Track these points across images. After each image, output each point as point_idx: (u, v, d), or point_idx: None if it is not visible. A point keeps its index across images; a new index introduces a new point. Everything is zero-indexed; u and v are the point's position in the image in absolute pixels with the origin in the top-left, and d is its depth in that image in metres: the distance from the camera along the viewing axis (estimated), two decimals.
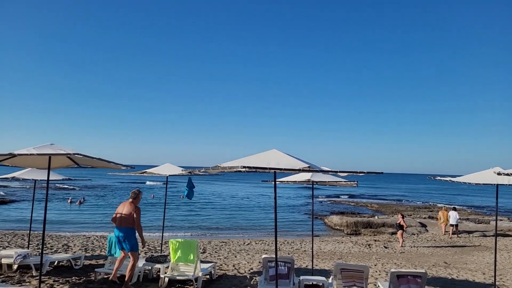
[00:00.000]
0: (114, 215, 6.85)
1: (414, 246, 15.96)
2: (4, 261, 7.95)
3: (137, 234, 6.82)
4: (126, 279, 6.75)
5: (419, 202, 47.35)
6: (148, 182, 65.64)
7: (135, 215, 6.70)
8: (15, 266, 7.95)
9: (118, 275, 7.47)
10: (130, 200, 6.89)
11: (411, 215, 28.75)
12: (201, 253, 12.20)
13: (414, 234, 19.70)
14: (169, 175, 9.40)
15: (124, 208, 6.79)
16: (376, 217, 26.16)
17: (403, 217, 16.62)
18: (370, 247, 15.60)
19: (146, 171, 9.69)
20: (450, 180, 8.62)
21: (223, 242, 15.81)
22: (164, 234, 11.19)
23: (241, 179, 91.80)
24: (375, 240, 17.68)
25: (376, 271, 9.93)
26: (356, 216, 27.24)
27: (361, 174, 5.12)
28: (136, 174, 9.51)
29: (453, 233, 19.05)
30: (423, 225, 22.86)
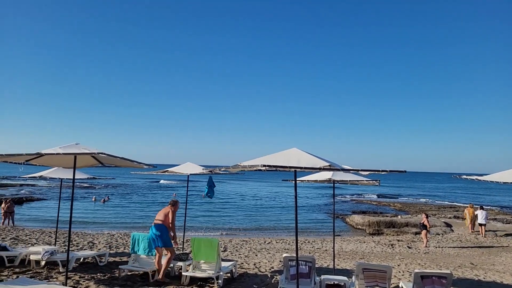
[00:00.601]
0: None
1: (439, 247, 15.58)
2: (32, 257, 8.22)
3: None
4: (161, 270, 7.14)
5: (444, 201, 46.19)
6: (162, 181, 66.67)
7: (170, 215, 7.37)
8: (42, 263, 8.21)
9: (141, 272, 7.63)
10: (169, 205, 7.54)
11: (435, 214, 28.07)
12: (222, 251, 12.28)
13: (439, 234, 19.22)
14: (190, 174, 9.50)
15: (162, 211, 7.47)
16: (399, 216, 25.67)
17: (427, 217, 16.23)
18: (393, 247, 15.33)
19: (167, 170, 9.82)
20: (476, 178, 8.37)
21: (244, 240, 15.87)
22: (185, 232, 11.32)
23: (261, 178, 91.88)
24: (398, 240, 17.36)
25: (399, 272, 9.75)
26: (378, 215, 26.81)
27: (383, 173, 5.02)
28: (158, 173, 9.66)
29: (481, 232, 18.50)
30: (448, 225, 22.28)
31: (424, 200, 47.86)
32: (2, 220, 19.09)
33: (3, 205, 19.43)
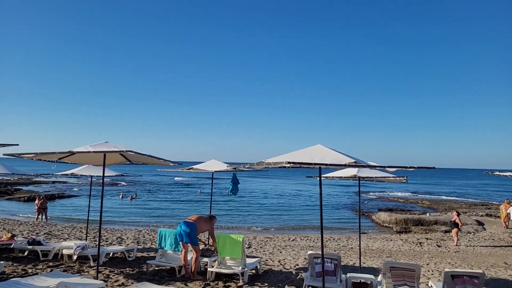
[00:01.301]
0: None
1: (470, 245, 15.10)
2: (65, 252, 8.53)
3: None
4: (193, 270, 7.31)
5: (476, 198, 44.69)
6: (176, 178, 67.62)
7: (209, 227, 7.80)
8: (74, 257, 8.51)
9: (168, 267, 7.79)
10: (208, 217, 7.90)
11: (466, 212, 27.21)
12: (246, 248, 12.36)
13: (470, 233, 18.63)
14: (215, 171, 9.59)
15: (197, 215, 7.74)
16: (427, 214, 25.05)
17: (458, 215, 15.75)
18: (421, 245, 14.98)
19: (192, 167, 9.95)
20: (510, 175, 8.07)
21: (268, 237, 15.90)
22: None
23: (285, 175, 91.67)
24: (427, 238, 16.94)
25: (429, 271, 9.53)
26: (405, 213, 26.24)
27: (411, 169, 4.91)
28: (183, 170, 9.80)
29: None
30: (480, 223, 21.56)
31: (454, 197, 46.48)
32: (36, 216, 19.89)
33: (36, 201, 20.25)
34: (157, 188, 48.91)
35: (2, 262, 7.00)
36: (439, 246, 14.78)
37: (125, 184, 52.34)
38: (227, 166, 9.34)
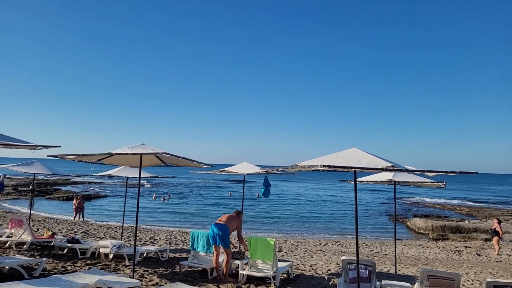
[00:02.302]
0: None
1: None
2: (102, 250, 8.80)
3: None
4: (224, 272, 7.35)
5: None
6: (207, 181, 68.30)
7: (237, 225, 7.73)
8: (110, 256, 8.76)
9: (200, 268, 7.87)
10: (235, 214, 7.85)
11: (508, 220, 25.86)
12: (277, 251, 12.30)
13: None
14: (247, 174, 9.61)
15: (227, 215, 7.74)
16: (466, 221, 24.02)
17: (499, 222, 15.01)
18: (460, 253, 14.37)
19: (224, 170, 10.02)
20: None
21: (299, 241, 15.76)
22: None
23: (317, 179, 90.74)
24: (466, 247, 16.24)
25: (468, 280, 9.12)
26: (442, 219, 25.30)
27: (451, 174, 4.71)
28: (215, 172, 9.89)
29: None
30: None
31: (496, 204, 44.29)
32: (74, 215, 20.71)
33: (74, 201, 21.09)
34: (189, 190, 49.70)
35: (44, 259, 7.32)
36: (479, 255, 14.12)
37: (158, 185, 53.53)
38: (260, 169, 9.34)
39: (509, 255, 14.23)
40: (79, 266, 7.93)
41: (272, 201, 36.12)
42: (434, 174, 5.31)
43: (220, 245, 7.33)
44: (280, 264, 7.81)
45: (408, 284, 6.71)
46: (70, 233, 13.58)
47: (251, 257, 7.52)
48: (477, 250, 15.24)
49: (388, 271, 9.78)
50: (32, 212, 17.05)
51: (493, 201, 47.73)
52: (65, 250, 9.38)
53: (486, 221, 24.88)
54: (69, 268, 7.74)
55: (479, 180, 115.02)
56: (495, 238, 14.68)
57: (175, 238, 14.41)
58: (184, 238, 14.32)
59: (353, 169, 4.50)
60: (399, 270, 9.81)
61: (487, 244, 16.86)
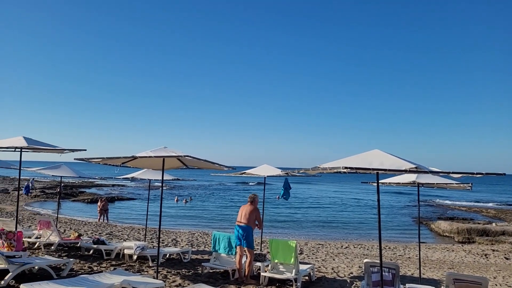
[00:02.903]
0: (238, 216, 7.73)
1: None
2: (126, 251, 8.99)
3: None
4: (246, 274, 7.39)
5: None
6: (228, 183, 68.53)
7: (255, 213, 7.54)
8: (134, 257, 8.94)
9: (222, 270, 7.93)
10: (249, 203, 7.62)
11: None
12: (298, 254, 12.25)
13: None
14: (267, 176, 9.64)
15: (244, 210, 7.58)
16: (493, 224, 23.29)
17: None
18: (487, 257, 13.96)
19: (245, 172, 10.08)
20: None
21: (320, 244, 15.65)
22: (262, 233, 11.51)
23: (338, 181, 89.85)
24: (493, 250, 15.75)
25: (496, 285, 8.86)
26: (468, 222, 24.62)
27: (478, 176, 4.61)
28: (236, 175, 9.96)
29: None
30: None
31: None
32: (98, 217, 21.20)
33: (99, 203, 21.59)
34: (210, 192, 50.10)
35: (71, 259, 7.54)
36: (507, 259, 13.68)
37: (178, 188, 54.16)
38: (280, 171, 9.35)
39: None
40: (104, 267, 8.13)
41: (293, 204, 35.97)
42: (459, 175, 5.20)
43: (244, 246, 7.38)
44: (302, 267, 7.79)
45: None
46: (95, 234, 13.92)
47: (272, 259, 7.54)
48: (505, 254, 14.76)
49: (412, 274, 9.61)
50: (59, 214, 17.57)
51: None
52: (91, 251, 9.65)
53: None
54: (95, 268, 7.95)
55: (507, 182, 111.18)
56: None
57: (197, 239, 14.56)
58: (206, 240, 14.45)
59: (375, 171, 4.46)
60: (424, 274, 9.60)
61: None
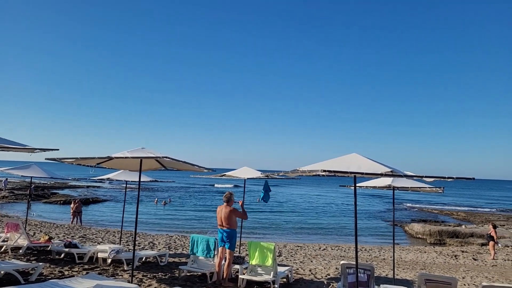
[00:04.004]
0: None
1: (509, 259, 14.37)
2: (100, 255, 8.76)
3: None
4: (225, 276, 7.32)
5: None
6: (209, 185, 68.15)
7: (235, 216, 7.40)
8: (109, 260, 8.72)
9: (199, 273, 7.85)
10: (225, 204, 7.45)
11: (504, 225, 25.97)
12: (277, 256, 12.29)
13: (508, 246, 17.76)
14: (247, 178, 9.62)
15: (222, 212, 7.44)
16: (463, 226, 24.10)
17: (494, 228, 15.10)
18: (456, 258, 14.41)
19: (225, 174, 10.03)
20: None
21: (298, 246, 15.75)
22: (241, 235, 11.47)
23: (317, 184, 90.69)
24: (463, 251, 16.28)
25: (465, 284, 9.15)
26: (440, 224, 25.42)
27: (449, 180, 4.75)
28: (216, 177, 9.90)
29: None
30: None
31: (492, 209, 44.44)
32: (71, 219, 20.61)
33: (72, 205, 20.98)
34: (189, 194, 49.59)
35: (40, 263, 7.29)
36: (475, 260, 14.17)
37: (160, 189, 53.33)
38: (260, 174, 9.35)
39: (505, 260, 14.28)
40: (76, 271, 7.89)
41: (272, 206, 36.08)
42: (432, 179, 5.35)
43: (226, 247, 7.35)
44: (280, 269, 7.81)
45: None
46: (68, 237, 13.52)
47: (250, 261, 7.53)
48: (474, 255, 15.29)
49: (386, 275, 9.80)
50: (28, 216, 16.98)
51: (489, 207, 47.89)
52: (62, 255, 9.32)
53: (482, 226, 24.96)
54: (66, 273, 7.70)
55: (476, 186, 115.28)
56: (491, 243, 14.75)
57: (175, 242, 14.37)
58: (184, 243, 14.29)
59: (353, 174, 4.53)
60: (397, 275, 9.81)
61: (483, 249, 16.91)
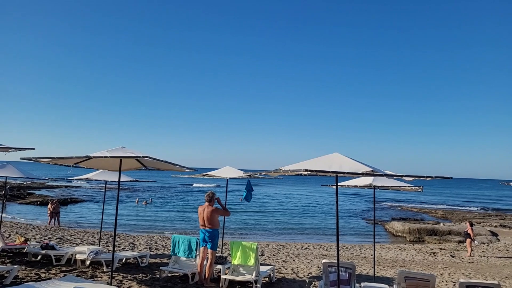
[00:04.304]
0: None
1: (484, 256, 14.81)
2: (78, 256, 8.56)
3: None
4: (207, 276, 7.25)
5: (490, 209, 43.87)
6: (191, 185, 67.78)
7: (217, 216, 7.34)
8: (87, 262, 8.53)
9: (181, 274, 7.77)
10: (207, 203, 7.38)
11: (480, 223, 26.74)
12: (259, 255, 12.29)
13: (484, 243, 18.29)
14: (229, 178, 9.58)
15: (205, 212, 7.34)
16: (441, 224, 24.67)
17: (471, 225, 15.52)
18: (435, 255, 14.74)
19: (207, 174, 9.96)
20: None
21: (281, 245, 15.80)
22: (223, 236, 11.42)
23: (299, 183, 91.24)
24: (441, 249, 16.67)
25: (443, 281, 9.36)
26: (419, 222, 25.94)
27: (428, 179, 4.84)
28: (198, 176, 9.82)
29: None
30: (494, 234, 21.18)
31: (469, 207, 45.70)
32: (49, 220, 20.11)
33: (49, 205, 20.48)
34: (171, 194, 49.10)
35: (16, 266, 7.06)
36: (453, 257, 14.52)
37: (141, 189, 52.60)
38: (243, 173, 9.32)
39: (481, 257, 14.69)
40: (53, 273, 7.69)
41: (255, 206, 36.10)
42: (411, 178, 5.45)
43: (208, 247, 7.28)
44: (262, 268, 7.81)
45: (386, 286, 6.83)
46: (45, 239, 13.17)
47: (233, 261, 7.49)
48: (451, 252, 15.67)
49: (367, 273, 9.93)
50: (3, 217, 16.48)
51: (466, 205, 49.24)
52: (39, 257, 9.07)
53: (459, 224, 25.64)
54: (42, 275, 7.49)
55: (454, 185, 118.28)
56: (468, 240, 15.15)
57: (156, 243, 14.19)
58: (165, 243, 14.13)
59: (334, 174, 4.56)
60: (378, 272, 9.96)
61: (460, 246, 17.36)
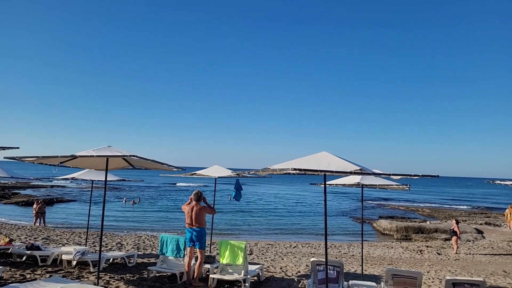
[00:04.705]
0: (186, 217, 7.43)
1: (470, 254, 15.06)
2: (64, 257, 8.43)
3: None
4: (195, 276, 7.23)
5: (475, 207, 44.65)
6: (178, 184, 67.52)
7: (205, 215, 7.33)
8: (74, 262, 8.41)
9: (169, 273, 7.72)
10: (194, 202, 7.33)
11: (466, 220, 27.17)
12: (248, 254, 12.28)
13: (470, 241, 18.59)
14: (218, 177, 9.55)
15: (193, 211, 7.29)
16: (428, 222, 25.00)
17: (457, 223, 15.76)
18: (422, 253, 14.93)
19: (195, 173, 9.91)
20: (511, 184, 8.06)
21: (270, 244, 15.82)
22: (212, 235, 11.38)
23: (288, 182, 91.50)
24: (427, 246, 16.89)
25: (429, 278, 9.48)
26: (406, 220, 26.24)
27: (415, 178, 4.90)
28: (186, 175, 9.76)
29: None
30: (479, 232, 21.53)
31: (455, 205, 46.44)
32: (34, 220, 19.79)
33: (35, 205, 20.16)
34: (159, 193, 48.75)
35: (0, 267, 6.94)
36: (439, 254, 14.73)
37: (129, 189, 52.10)
38: (231, 172, 9.30)
39: (466, 254, 14.94)
40: (39, 274, 7.57)
41: (243, 205, 36.06)
42: (399, 177, 5.51)
43: (196, 247, 7.25)
44: (251, 267, 7.80)
45: (373, 284, 6.90)
46: (30, 239, 12.95)
47: (221, 260, 7.47)
48: (438, 250, 15.89)
49: (355, 271, 10.00)
50: None
51: (453, 203, 50.01)
52: (24, 258, 8.91)
53: (445, 221, 26.01)
54: (28, 276, 7.38)
55: (440, 183, 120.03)
56: (454, 238, 15.38)
57: (144, 243, 14.07)
58: (153, 243, 14.02)
59: (323, 173, 4.58)
60: (366, 270, 10.04)
61: (447, 244, 17.61)
